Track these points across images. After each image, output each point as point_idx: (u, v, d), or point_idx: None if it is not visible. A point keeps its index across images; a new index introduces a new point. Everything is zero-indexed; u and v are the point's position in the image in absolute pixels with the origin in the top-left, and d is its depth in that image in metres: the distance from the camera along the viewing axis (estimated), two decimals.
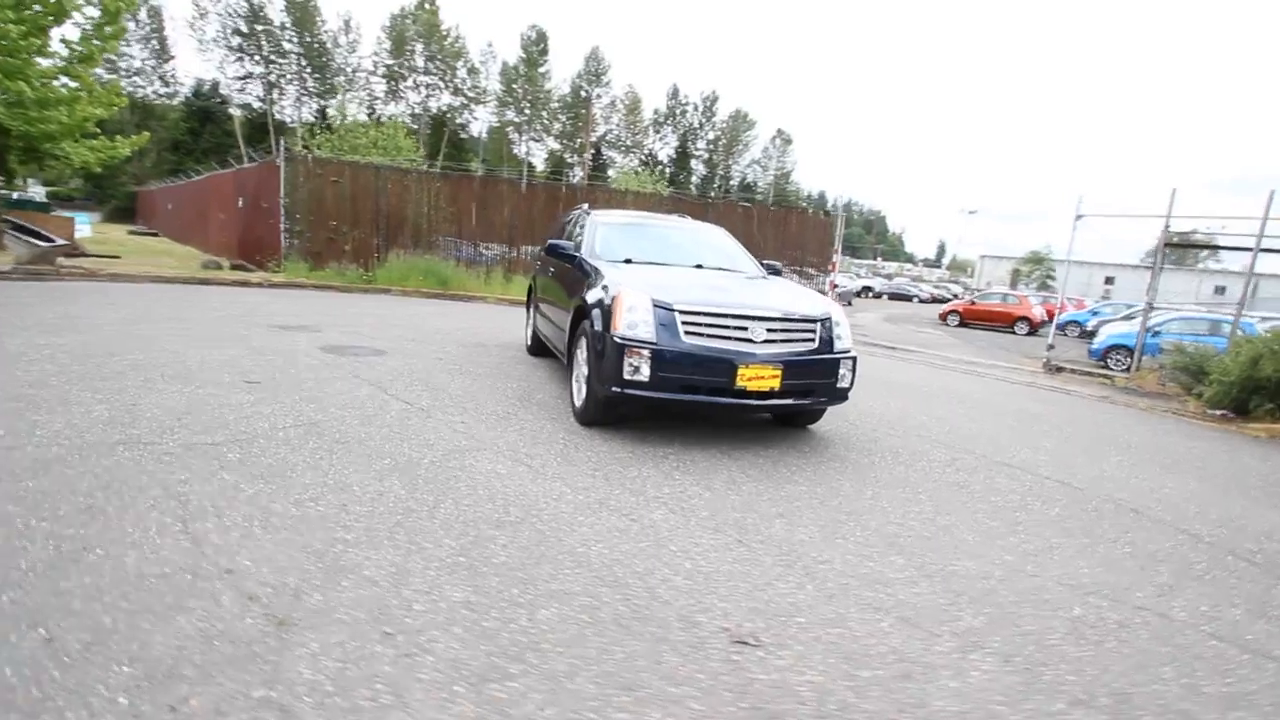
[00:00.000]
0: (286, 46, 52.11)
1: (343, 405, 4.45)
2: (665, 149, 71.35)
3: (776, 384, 4.04)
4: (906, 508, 3.55)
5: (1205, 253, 70.73)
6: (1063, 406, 7.79)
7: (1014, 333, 23.70)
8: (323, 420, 4.07)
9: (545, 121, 63.44)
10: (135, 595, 2.05)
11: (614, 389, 4.02)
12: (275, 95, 52.91)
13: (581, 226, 6.15)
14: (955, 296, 38.41)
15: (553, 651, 1.99)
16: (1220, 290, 44.06)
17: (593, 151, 64.09)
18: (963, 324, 24.96)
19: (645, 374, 3.92)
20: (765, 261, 5.95)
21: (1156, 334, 14.27)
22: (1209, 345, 8.35)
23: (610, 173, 59.31)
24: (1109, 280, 51.34)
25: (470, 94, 59.01)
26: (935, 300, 42.51)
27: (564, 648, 2.01)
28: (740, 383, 3.96)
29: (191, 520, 2.59)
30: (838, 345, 4.37)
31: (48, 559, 2.20)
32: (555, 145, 65.84)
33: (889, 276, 61.15)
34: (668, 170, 65.88)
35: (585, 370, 4.44)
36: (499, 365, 6.50)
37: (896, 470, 4.22)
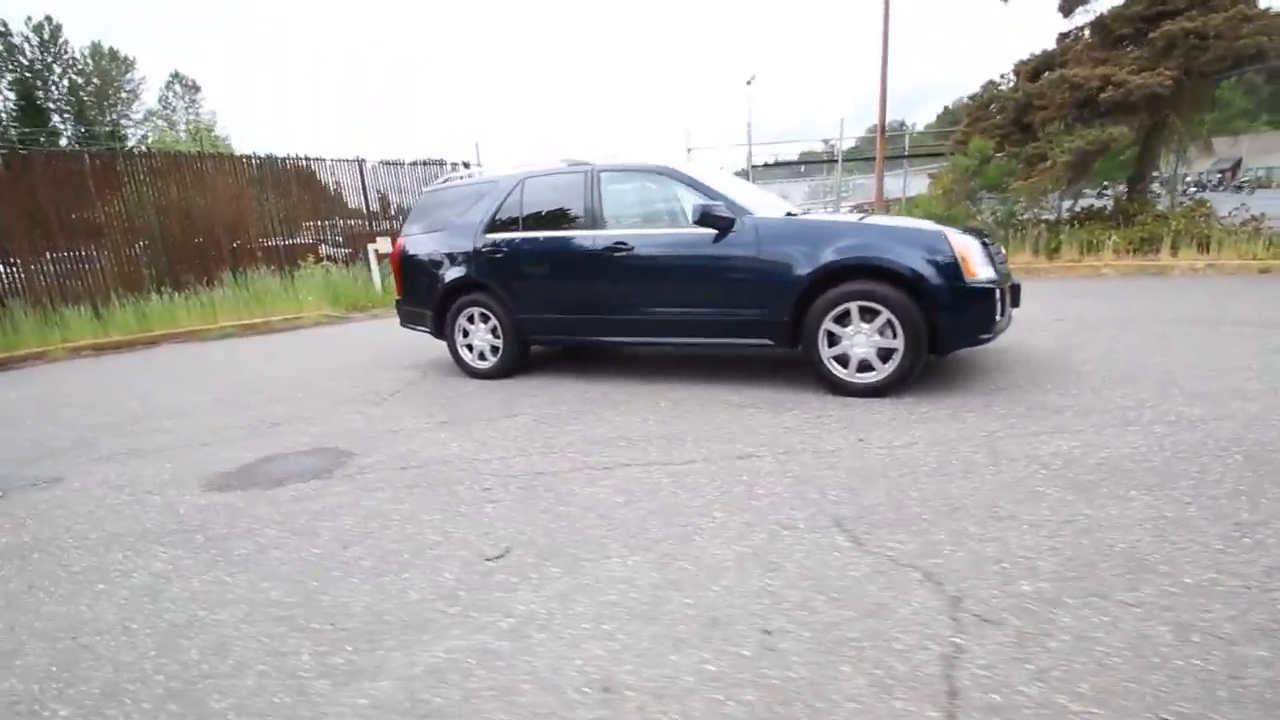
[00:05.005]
0: None
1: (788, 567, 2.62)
2: None
3: None
4: None
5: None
6: None
7: None
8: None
9: None
10: None
11: (986, 336, 3.80)
12: None
13: (604, 191, 4.68)
14: None
15: None
16: None
17: None
18: None
19: (999, 314, 3.79)
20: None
21: None
22: None
23: None
24: None
25: None
26: None
27: None
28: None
29: None
30: None
31: None
32: None
33: None
34: (12, 127, 45.36)
35: (879, 339, 3.81)
36: (559, 412, 4.45)
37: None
